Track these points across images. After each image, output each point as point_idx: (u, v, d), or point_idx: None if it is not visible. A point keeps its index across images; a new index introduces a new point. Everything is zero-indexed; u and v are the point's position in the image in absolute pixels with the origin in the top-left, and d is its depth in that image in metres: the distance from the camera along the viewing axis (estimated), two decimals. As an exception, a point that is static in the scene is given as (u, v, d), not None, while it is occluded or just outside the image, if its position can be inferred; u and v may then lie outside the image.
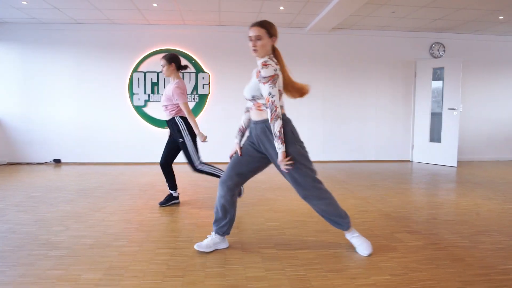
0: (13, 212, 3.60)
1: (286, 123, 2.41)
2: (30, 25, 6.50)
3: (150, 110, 6.75)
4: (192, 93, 6.74)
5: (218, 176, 3.63)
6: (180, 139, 3.63)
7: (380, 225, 3.25)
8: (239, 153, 2.57)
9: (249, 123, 2.63)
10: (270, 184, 4.97)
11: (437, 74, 7.10)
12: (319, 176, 2.52)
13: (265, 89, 2.33)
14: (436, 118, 7.09)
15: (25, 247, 2.67)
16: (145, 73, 6.68)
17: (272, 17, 6.11)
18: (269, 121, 2.35)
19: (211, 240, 2.63)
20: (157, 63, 6.57)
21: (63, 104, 6.70)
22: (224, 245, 2.67)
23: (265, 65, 2.33)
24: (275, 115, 2.31)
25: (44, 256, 2.52)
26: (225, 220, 2.60)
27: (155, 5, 5.47)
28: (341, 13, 5.58)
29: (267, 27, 2.42)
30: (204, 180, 5.21)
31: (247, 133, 2.68)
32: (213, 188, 4.67)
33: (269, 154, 2.49)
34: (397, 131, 7.37)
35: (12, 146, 6.69)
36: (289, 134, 2.39)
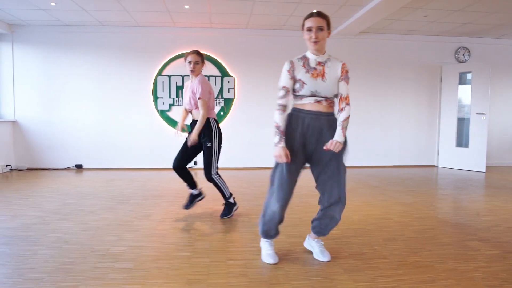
0: (55, 220, 3.45)
1: None
2: (53, 27, 6.37)
3: (174, 114, 6.62)
4: (217, 97, 6.61)
5: (223, 193, 3.53)
6: (209, 143, 3.42)
7: (445, 233, 3.13)
8: (289, 158, 2.26)
9: (295, 118, 2.34)
10: (308, 189, 4.84)
11: (462, 79, 7.04)
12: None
13: (347, 88, 2.34)
14: (462, 123, 7.02)
15: (86, 259, 2.52)
16: (169, 76, 6.55)
17: (301, 21, 6.02)
18: (347, 119, 2.30)
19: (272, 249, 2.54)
20: (181, 66, 6.45)
21: (85, 108, 6.55)
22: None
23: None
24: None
25: (112, 269, 2.37)
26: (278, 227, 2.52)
27: (186, 7, 5.36)
28: (375, 16, 5.50)
29: (328, 19, 2.33)
30: (239, 187, 5.09)
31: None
32: (253, 195, 4.55)
33: (321, 144, 2.31)
34: (422, 136, 7.28)
35: (32, 151, 6.53)
36: None
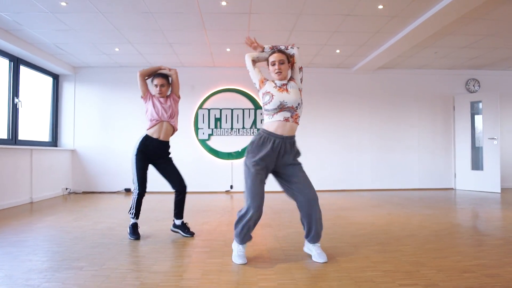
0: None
1: None
2: (109, 69, 7.44)
3: (212, 143, 7.46)
4: (251, 127, 7.47)
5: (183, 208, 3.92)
6: (170, 157, 3.86)
7: (457, 231, 3.73)
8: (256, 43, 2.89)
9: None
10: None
11: (474, 108, 7.69)
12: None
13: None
14: (476, 148, 7.59)
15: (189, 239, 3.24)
16: (209, 109, 7.47)
17: (326, 59, 6.93)
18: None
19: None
20: (219, 101, 7.42)
21: (134, 138, 7.44)
22: None
23: None
24: None
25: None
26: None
27: (228, 49, 6.32)
28: (390, 55, 6.32)
29: (287, 54, 2.80)
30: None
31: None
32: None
33: (284, 161, 2.74)
34: (439, 160, 7.86)
35: (88, 176, 7.42)
36: None
